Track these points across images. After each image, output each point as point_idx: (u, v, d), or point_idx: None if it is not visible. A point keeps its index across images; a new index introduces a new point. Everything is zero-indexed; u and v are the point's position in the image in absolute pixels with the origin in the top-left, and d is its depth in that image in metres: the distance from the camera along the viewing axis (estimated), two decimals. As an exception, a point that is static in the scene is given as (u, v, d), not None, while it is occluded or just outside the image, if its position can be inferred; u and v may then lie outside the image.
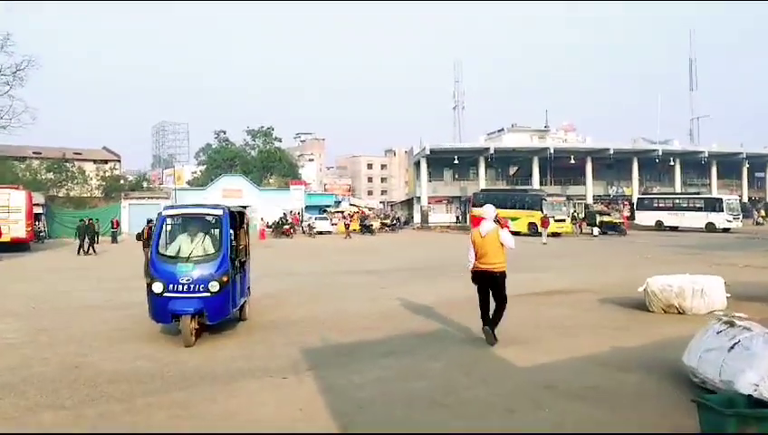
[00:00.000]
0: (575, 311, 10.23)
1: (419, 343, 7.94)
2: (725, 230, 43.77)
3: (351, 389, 5.99)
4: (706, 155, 61.89)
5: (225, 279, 8.14)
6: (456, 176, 63.46)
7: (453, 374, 6.42)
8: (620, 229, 41.11)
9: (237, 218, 9.47)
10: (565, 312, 10.16)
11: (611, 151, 58.34)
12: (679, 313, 9.67)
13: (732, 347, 5.00)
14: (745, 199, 59.10)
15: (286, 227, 43.65)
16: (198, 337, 8.28)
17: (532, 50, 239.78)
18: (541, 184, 57.56)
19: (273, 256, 26.33)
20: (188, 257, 8.29)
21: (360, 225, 48.24)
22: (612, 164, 62.78)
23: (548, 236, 37.41)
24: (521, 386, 5.95)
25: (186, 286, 8.01)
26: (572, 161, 58.39)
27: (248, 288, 10.13)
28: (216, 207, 9.07)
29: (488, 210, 7.98)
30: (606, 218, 43.62)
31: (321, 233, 45.24)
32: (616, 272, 17.05)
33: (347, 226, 43.66)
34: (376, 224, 49.27)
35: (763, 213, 57.25)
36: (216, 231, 8.69)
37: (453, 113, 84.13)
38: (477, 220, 35.82)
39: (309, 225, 44.47)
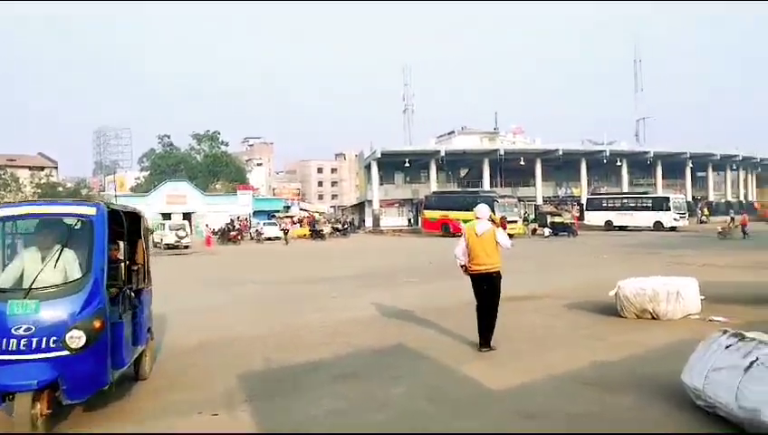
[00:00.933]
0: (544, 318, 9.45)
1: (376, 362, 6.96)
2: (672, 229, 44.43)
3: (296, 426, 4.97)
4: (652, 155, 63.12)
5: (96, 324, 4.95)
6: (408, 179, 62.94)
7: (418, 402, 5.47)
8: (572, 230, 41.15)
9: (126, 223, 6.17)
10: (534, 320, 9.36)
11: (560, 152, 58.87)
12: (653, 318, 8.99)
13: (749, 367, 4.19)
14: (689, 198, 60.39)
15: (233, 233, 42.10)
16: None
17: (480, 52, 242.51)
18: (491, 186, 57.54)
19: (218, 265, 24.98)
20: (29, 289, 4.96)
21: (310, 230, 47.00)
22: (561, 165, 63.36)
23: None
24: (497, 416, 5.04)
25: (25, 342, 4.75)
26: (522, 163, 58.62)
27: (149, 330, 6.82)
28: (82, 203, 5.94)
29: (483, 209, 7.72)
30: (557, 219, 43.68)
31: (269, 239, 43.83)
32: (575, 274, 16.49)
33: (285, 231, 42.19)
34: (327, 229, 48.11)
35: (706, 211, 58.59)
36: (84, 243, 5.33)
37: (403, 117, 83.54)
38: (429, 223, 35.45)
39: (257, 230, 42.97)
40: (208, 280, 17.88)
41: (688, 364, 4.92)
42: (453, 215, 43.12)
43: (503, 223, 8.44)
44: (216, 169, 70.34)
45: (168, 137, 75.79)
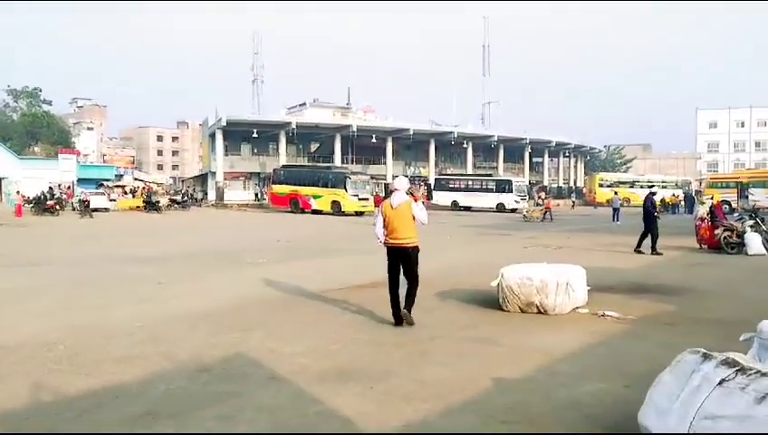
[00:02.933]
0: (418, 314, 7.89)
1: (201, 389, 4.95)
2: (513, 210, 46.03)
3: None
4: (496, 139, 65.38)
5: None
6: (255, 151, 59.80)
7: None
8: (421, 209, 41.18)
9: None
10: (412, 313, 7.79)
11: (411, 132, 58.96)
12: (540, 312, 7.80)
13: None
14: (527, 182, 63.34)
15: (50, 202, 36.83)
16: None
17: (333, 28, 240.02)
18: (343, 162, 56.24)
19: (24, 239, 21.01)
20: None
21: (144, 202, 42.62)
22: (411, 145, 63.81)
23: (355, 214, 35.92)
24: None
25: None
26: (374, 140, 57.98)
27: None
28: None
29: (401, 182, 7.43)
30: (408, 198, 43.58)
31: (96, 210, 38.99)
32: (434, 256, 15.28)
33: (85, 202, 36.12)
34: (163, 200, 43.93)
35: (543, 195, 61.82)
36: None
37: (252, 87, 79.46)
38: (277, 198, 33.23)
39: (81, 200, 37.89)
40: (5, 260, 14.49)
41: (652, 402, 3.48)
42: (303, 190, 41.30)
43: (417, 197, 7.52)
44: (34, 129, 62.23)
45: (-21, 91, 65.81)
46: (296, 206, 41.10)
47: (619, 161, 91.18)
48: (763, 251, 15.05)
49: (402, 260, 7.19)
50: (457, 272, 11.41)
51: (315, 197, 40.66)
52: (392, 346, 6.24)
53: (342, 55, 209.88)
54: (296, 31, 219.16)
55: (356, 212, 38.81)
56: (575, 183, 78.06)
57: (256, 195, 57.03)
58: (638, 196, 58.88)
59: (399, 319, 7.08)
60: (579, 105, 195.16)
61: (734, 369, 3.14)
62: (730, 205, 46.21)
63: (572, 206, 55.93)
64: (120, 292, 9.61)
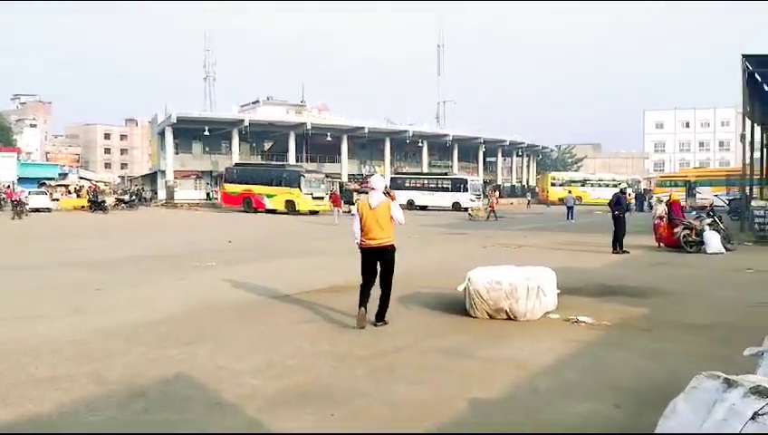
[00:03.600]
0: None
1: (132, 419, 4.22)
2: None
3: None
4: (450, 138, 65.48)
5: None
6: (207, 149, 58.30)
7: None
8: (377, 208, 40.77)
9: None
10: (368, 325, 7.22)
11: (366, 130, 58.51)
12: (509, 318, 7.33)
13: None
14: (481, 181, 63.59)
15: (-14, 202, 34.86)
16: None
17: (288, 26, 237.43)
18: (297, 160, 55.28)
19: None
20: None
21: (88, 201, 40.87)
22: (366, 143, 63.36)
23: (310, 213, 35.22)
24: None
25: None
26: (329, 139, 57.27)
27: None
28: None
29: (378, 181, 7.36)
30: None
31: (37, 210, 37.19)
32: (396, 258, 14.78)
33: (16, 202, 33.87)
34: (110, 200, 42.23)
35: (497, 193, 62.19)
36: None
37: (204, 85, 77.63)
38: (229, 197, 32.15)
39: (19, 200, 35.94)
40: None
41: None
42: (256, 189, 40.32)
43: (393, 196, 7.38)
44: (-29, 126, 59.24)
45: None
46: (249, 205, 40.08)
47: (570, 160, 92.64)
48: (722, 250, 15.04)
49: (379, 261, 7.01)
50: (420, 274, 10.89)
51: (269, 196, 39.73)
52: (355, 360, 5.64)
53: (297, 53, 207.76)
54: (250, 28, 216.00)
55: (311, 211, 38.09)
56: (528, 182, 78.89)
57: (208, 194, 55.58)
58: (590, 194, 60.04)
59: (363, 325, 6.85)
60: (532, 105, 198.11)
61: (763, 399, 2.67)
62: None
63: (528, 204, 56.25)
64: (52, 301, 8.73)
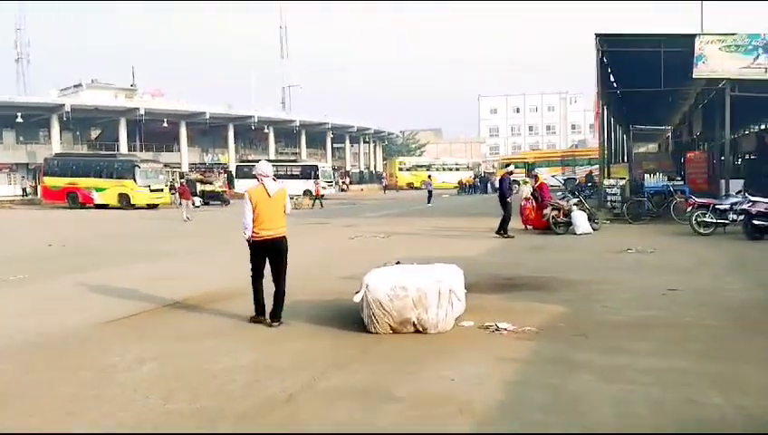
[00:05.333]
0: (261, 350, 5.66)
1: None
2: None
3: None
4: (298, 124, 63.61)
5: None
6: (22, 138, 51.52)
7: None
8: (224, 199, 38.54)
9: None
10: (245, 352, 5.48)
11: (207, 116, 54.90)
12: (418, 330, 5.96)
13: None
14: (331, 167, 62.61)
15: None
16: None
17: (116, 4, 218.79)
18: (130, 150, 50.50)
19: None
20: None
21: None
22: (208, 130, 59.65)
23: (148, 207, 31.97)
24: None
25: None
26: (166, 125, 52.91)
27: None
28: None
29: (268, 167, 6.74)
30: (208, 187, 40.42)
31: None
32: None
33: None
34: None
35: (347, 180, 61.51)
36: None
37: (16, 67, 68.84)
38: (51, 192, 27.65)
39: None
40: None
41: None
42: (83, 182, 35.79)
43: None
44: None
45: None
46: (75, 200, 35.48)
47: (413, 146, 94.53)
48: (590, 229, 14.94)
49: (273, 254, 6.52)
50: (292, 277, 9.20)
51: (98, 189, 35.41)
52: (230, 419, 3.92)
53: (126, 34, 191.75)
54: (71, 7, 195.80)
55: (148, 205, 34.53)
56: (375, 168, 79.18)
57: (24, 190, 48.93)
58: (436, 178, 61.16)
59: (262, 318, 6.47)
60: (376, 90, 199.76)
61: None
62: (519, 183, 49.73)
63: (384, 190, 55.85)
64: None
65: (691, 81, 21.12)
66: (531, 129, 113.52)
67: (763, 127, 39.34)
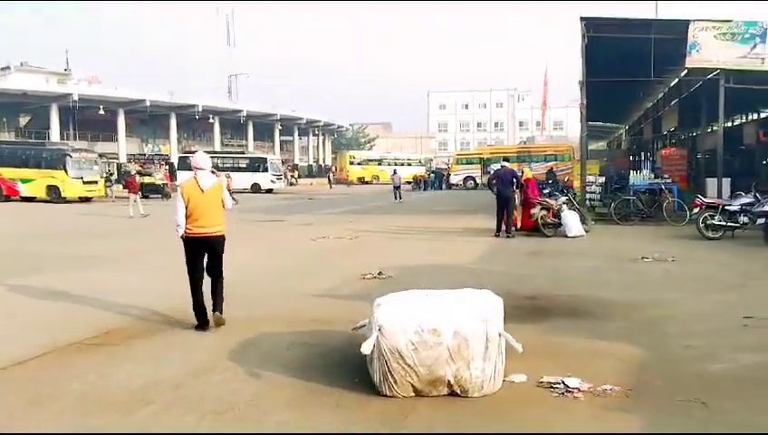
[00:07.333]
0: (214, 422, 3.76)
1: None
2: (269, 191, 42.64)
3: None
4: (245, 114, 60.92)
5: None
6: (-62, 124, 47.03)
7: None
8: (165, 192, 35.68)
9: None
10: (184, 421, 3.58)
11: (148, 103, 51.54)
12: (453, 393, 4.17)
13: None
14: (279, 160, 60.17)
15: None
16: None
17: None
18: (62, 138, 46.91)
19: None
20: None
21: None
22: (148, 119, 56.27)
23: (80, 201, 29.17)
24: None
25: None
26: (102, 113, 49.34)
27: None
28: None
29: (204, 159, 6.27)
30: (147, 180, 37.48)
31: None
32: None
33: None
34: None
35: (296, 174, 59.09)
36: None
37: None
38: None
39: None
40: None
41: None
42: (7, 173, 32.47)
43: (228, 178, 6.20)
44: None
45: None
46: (-1, 192, 32.23)
47: (363, 140, 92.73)
48: (583, 232, 13.48)
49: (208, 252, 6.19)
50: (252, 297, 7.24)
51: (24, 181, 32.21)
52: None
53: (62, 16, 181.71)
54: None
55: (81, 198, 31.65)
56: (324, 161, 76.97)
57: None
58: (387, 173, 59.53)
59: (206, 322, 5.99)
60: (325, 82, 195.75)
61: None
62: (474, 180, 48.62)
63: (330, 185, 53.40)
64: None
65: (670, 72, 20.05)
66: (479, 125, 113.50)
67: (744, 120, 38.05)
